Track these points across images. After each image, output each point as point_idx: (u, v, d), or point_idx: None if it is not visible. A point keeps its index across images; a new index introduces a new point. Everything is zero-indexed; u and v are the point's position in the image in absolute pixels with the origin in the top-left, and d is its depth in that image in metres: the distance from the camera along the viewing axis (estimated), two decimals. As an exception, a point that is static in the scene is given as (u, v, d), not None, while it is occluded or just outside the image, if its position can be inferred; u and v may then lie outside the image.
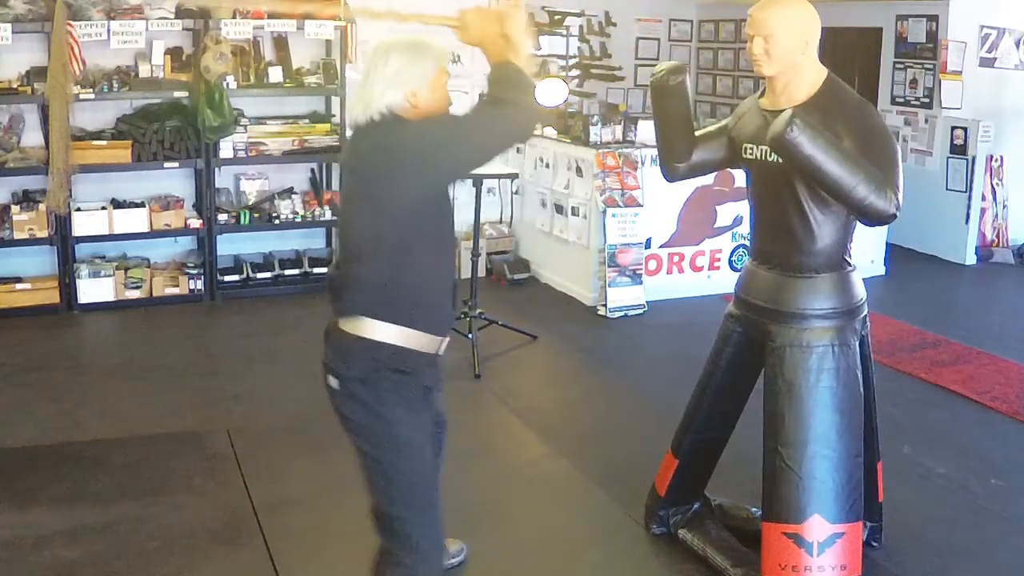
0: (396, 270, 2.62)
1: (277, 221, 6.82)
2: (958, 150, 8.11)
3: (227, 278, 6.79)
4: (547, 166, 7.21)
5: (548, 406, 5.17)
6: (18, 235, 6.22)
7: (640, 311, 6.57)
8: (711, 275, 7.02)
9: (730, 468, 3.83)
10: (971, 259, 8.19)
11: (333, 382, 2.67)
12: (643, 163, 6.65)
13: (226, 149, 6.63)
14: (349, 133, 2.79)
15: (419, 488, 2.69)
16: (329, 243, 7.26)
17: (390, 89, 2.65)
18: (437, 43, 2.76)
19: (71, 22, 5.99)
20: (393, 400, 2.63)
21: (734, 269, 6.92)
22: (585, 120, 7.01)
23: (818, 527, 3.08)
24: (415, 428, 2.69)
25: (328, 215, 6.89)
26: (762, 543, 3.19)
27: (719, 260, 7.03)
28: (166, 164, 6.52)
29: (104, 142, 6.39)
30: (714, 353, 3.50)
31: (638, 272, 6.61)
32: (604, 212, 6.50)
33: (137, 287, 6.54)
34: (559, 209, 7.07)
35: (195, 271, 6.70)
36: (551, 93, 6.98)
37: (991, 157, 8.19)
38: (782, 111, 2.95)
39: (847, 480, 3.11)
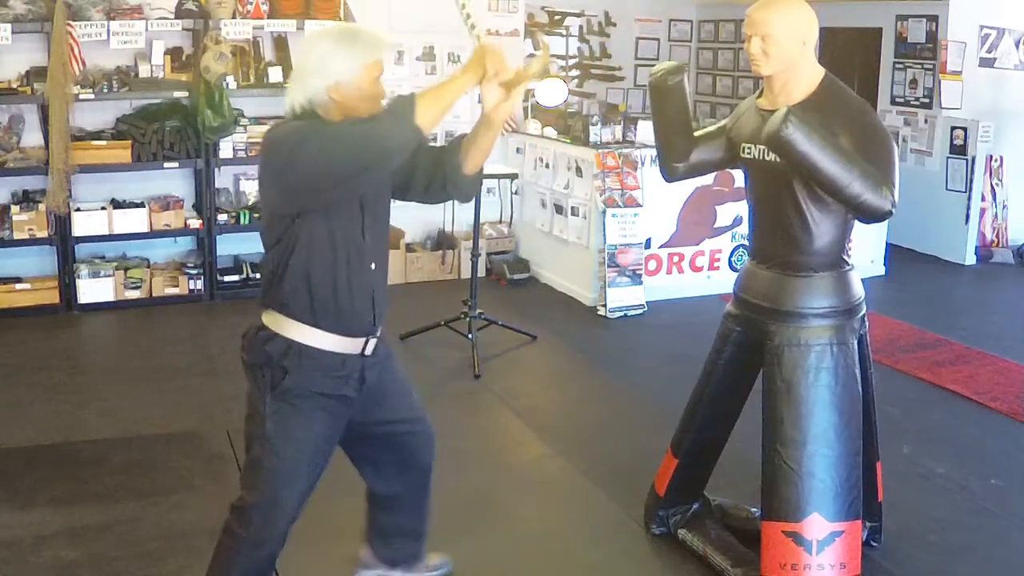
0: (282, 266, 2.62)
1: (277, 221, 6.80)
2: (958, 150, 8.11)
3: (227, 278, 6.79)
4: (547, 166, 7.22)
5: (548, 406, 5.17)
6: (18, 235, 6.23)
7: (640, 311, 6.57)
8: (711, 275, 7.02)
9: (730, 468, 3.83)
10: (971, 259, 8.19)
11: None
12: (643, 163, 6.65)
13: (226, 149, 6.63)
14: None
15: (268, 481, 2.73)
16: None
17: (312, 78, 2.54)
18: (373, 33, 2.61)
19: (71, 22, 6.00)
20: (269, 394, 2.66)
21: (734, 269, 6.93)
22: (585, 120, 7.01)
23: (817, 525, 3.08)
24: (282, 426, 2.68)
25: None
26: (762, 542, 3.19)
27: (719, 260, 7.04)
28: (166, 164, 6.52)
29: (104, 142, 6.39)
30: (713, 353, 3.50)
31: (638, 272, 6.61)
32: (604, 212, 6.50)
33: (137, 287, 6.54)
34: (559, 209, 7.08)
35: (195, 271, 6.70)
36: (551, 93, 6.99)
37: (991, 157, 8.19)
38: (780, 111, 2.95)
39: (846, 478, 3.11)
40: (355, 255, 2.66)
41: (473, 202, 5.73)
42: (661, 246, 6.86)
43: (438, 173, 2.78)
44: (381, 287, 2.78)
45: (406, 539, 3.21)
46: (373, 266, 2.73)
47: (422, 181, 2.80)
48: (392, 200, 2.86)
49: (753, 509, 3.65)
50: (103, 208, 6.47)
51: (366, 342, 2.76)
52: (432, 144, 2.83)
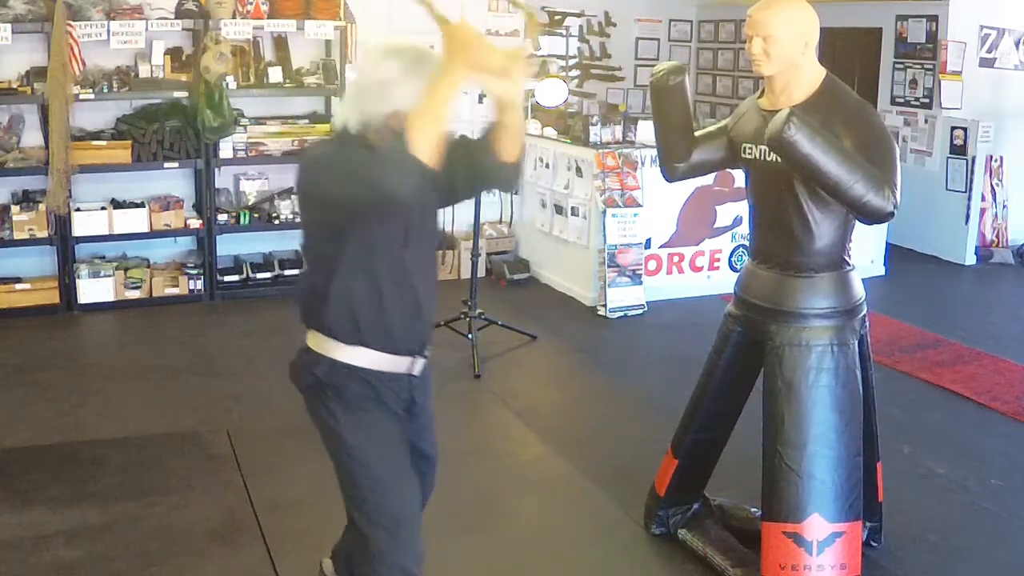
0: (323, 289, 2.54)
1: (277, 221, 6.82)
2: (958, 150, 8.11)
3: (227, 278, 6.79)
4: (547, 166, 7.21)
5: (548, 406, 5.17)
6: (18, 235, 6.22)
7: (640, 311, 6.57)
8: (711, 275, 7.02)
9: (730, 468, 3.82)
10: (971, 259, 8.19)
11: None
12: (643, 163, 6.65)
13: (226, 149, 6.63)
14: None
15: (368, 492, 2.64)
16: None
17: (370, 103, 2.44)
18: (439, 59, 2.44)
19: (71, 22, 5.99)
20: (338, 407, 2.60)
21: (734, 269, 6.92)
22: (585, 120, 7.01)
23: (818, 526, 3.08)
24: (359, 432, 2.62)
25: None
26: (762, 543, 3.20)
27: (719, 260, 7.04)
28: (166, 164, 6.52)
29: (104, 142, 6.39)
30: (713, 353, 3.50)
31: (638, 272, 6.61)
32: (604, 212, 6.50)
33: (137, 287, 6.54)
34: (559, 209, 7.07)
35: (195, 271, 6.70)
36: (551, 93, 6.99)
37: (991, 157, 8.19)
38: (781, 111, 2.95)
39: (846, 479, 3.12)
40: (401, 275, 2.57)
41: (473, 202, 5.74)
42: (661, 246, 6.85)
43: (478, 171, 2.65)
44: (428, 307, 2.69)
45: None
46: (419, 285, 2.63)
47: (465, 185, 2.70)
48: (445, 207, 2.79)
49: (753, 509, 3.65)
50: (103, 208, 6.47)
51: (412, 362, 2.70)
52: (463, 140, 2.69)
